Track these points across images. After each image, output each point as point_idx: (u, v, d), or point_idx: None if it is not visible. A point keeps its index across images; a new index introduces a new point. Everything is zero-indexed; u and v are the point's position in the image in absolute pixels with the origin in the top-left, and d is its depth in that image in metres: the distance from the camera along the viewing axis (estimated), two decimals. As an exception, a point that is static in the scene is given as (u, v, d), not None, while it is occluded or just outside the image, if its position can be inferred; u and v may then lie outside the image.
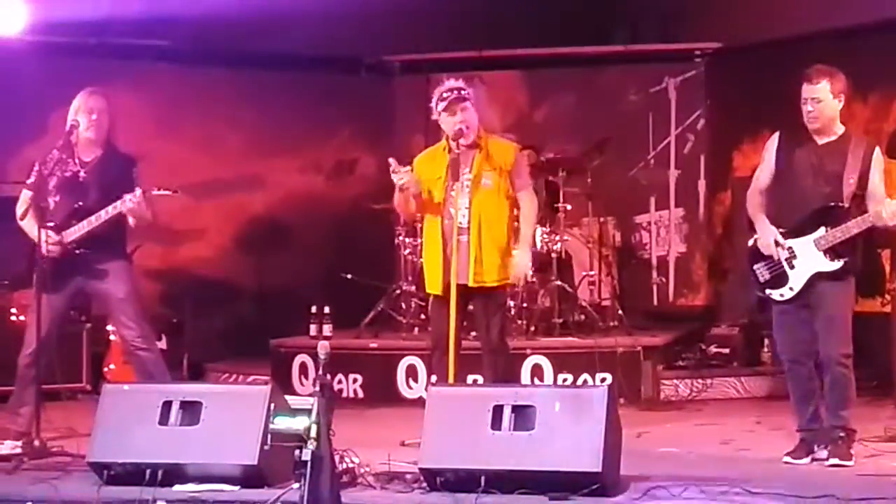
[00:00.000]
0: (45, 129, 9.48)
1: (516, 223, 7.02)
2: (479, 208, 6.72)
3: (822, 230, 6.26)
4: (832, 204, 6.25)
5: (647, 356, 8.89)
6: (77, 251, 6.81)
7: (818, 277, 6.27)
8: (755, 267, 6.43)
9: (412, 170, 6.79)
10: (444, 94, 6.83)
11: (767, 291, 6.42)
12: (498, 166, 6.80)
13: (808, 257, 6.28)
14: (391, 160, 6.75)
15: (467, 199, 6.74)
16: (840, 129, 6.35)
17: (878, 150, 6.36)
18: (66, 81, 9.45)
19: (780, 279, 6.35)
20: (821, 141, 6.33)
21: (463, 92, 6.82)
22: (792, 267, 6.32)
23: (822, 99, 6.25)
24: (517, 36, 10.83)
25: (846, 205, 6.24)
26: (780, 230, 6.34)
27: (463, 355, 6.72)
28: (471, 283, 6.69)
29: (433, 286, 6.80)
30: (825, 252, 6.25)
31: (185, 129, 10.55)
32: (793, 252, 6.31)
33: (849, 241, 6.23)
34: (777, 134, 6.49)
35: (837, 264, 6.25)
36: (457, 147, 6.74)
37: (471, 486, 5.51)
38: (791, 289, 6.33)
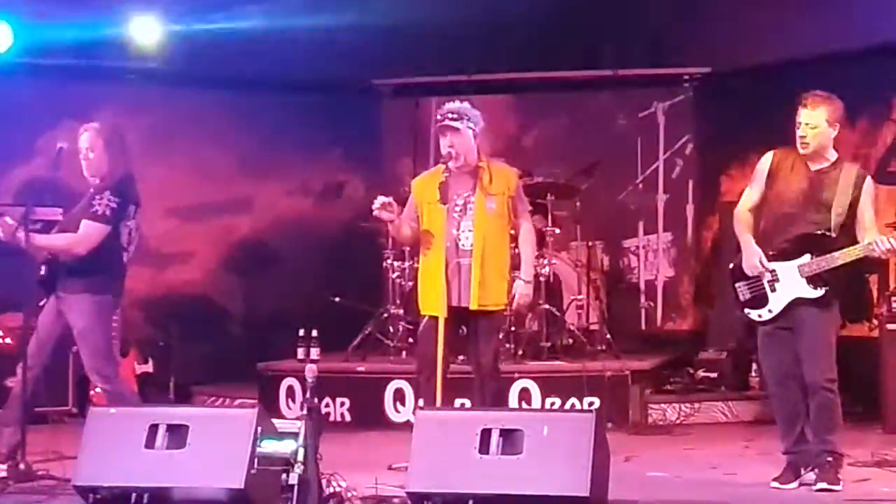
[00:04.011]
0: (34, 151, 9.52)
1: (515, 249, 7.03)
2: (483, 232, 6.72)
3: (806, 257, 6.26)
4: (819, 232, 6.25)
5: (635, 380, 8.88)
6: (42, 271, 6.78)
7: (799, 303, 6.28)
8: (737, 285, 6.44)
9: (391, 202, 6.77)
10: (439, 116, 6.86)
11: (746, 311, 6.43)
12: (502, 191, 6.81)
13: (790, 282, 6.28)
14: (377, 201, 6.76)
15: (471, 222, 6.75)
16: (833, 156, 6.35)
17: (868, 179, 6.35)
18: (55, 104, 9.54)
19: (760, 300, 6.36)
20: (813, 167, 6.33)
21: (451, 115, 6.81)
22: (773, 290, 6.33)
23: (817, 125, 6.25)
24: (507, 60, 10.87)
25: (833, 234, 6.24)
26: (768, 252, 6.34)
27: (450, 379, 6.71)
28: (474, 307, 6.68)
29: (432, 308, 6.76)
30: (808, 279, 6.26)
31: (174, 152, 10.54)
32: (775, 275, 6.32)
33: (832, 271, 6.22)
34: (770, 153, 6.46)
35: (819, 292, 6.25)
36: (445, 170, 6.75)
37: (458, 511, 5.50)
38: (770, 311, 6.34)
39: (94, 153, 6.83)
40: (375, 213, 6.77)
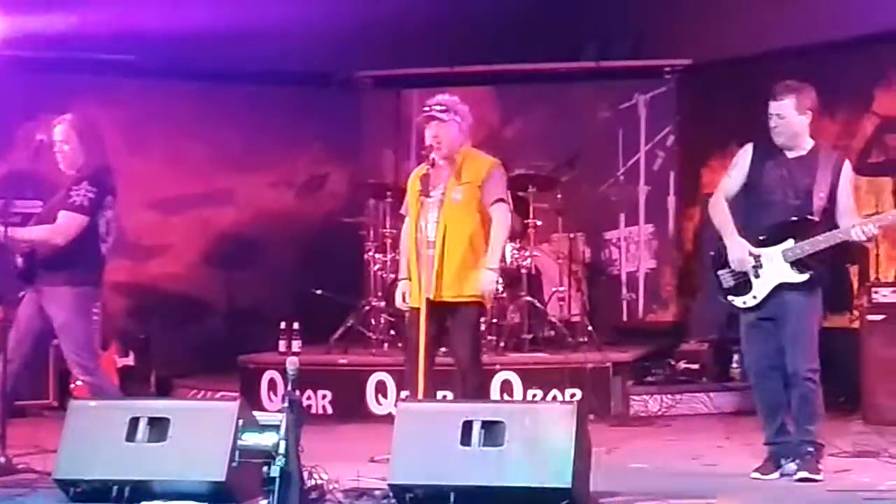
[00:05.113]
0: (12, 145, 9.46)
1: None
2: (446, 223, 6.71)
3: (790, 242, 6.27)
4: (802, 217, 6.27)
5: (617, 372, 8.90)
6: (20, 264, 6.75)
7: (783, 288, 6.28)
8: (719, 273, 6.43)
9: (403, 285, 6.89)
10: (426, 108, 6.85)
11: (730, 298, 6.43)
12: (470, 180, 6.79)
13: (774, 267, 6.29)
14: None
15: (436, 212, 6.73)
16: (809, 144, 6.39)
17: (847, 163, 6.40)
18: (32, 96, 9.50)
19: (743, 287, 6.36)
20: (791, 155, 6.37)
21: (437, 107, 6.80)
22: (757, 276, 6.32)
23: (786, 115, 6.29)
24: (488, 52, 10.85)
25: (816, 218, 6.26)
26: (750, 240, 6.34)
27: (436, 370, 6.71)
28: (433, 298, 6.68)
29: (413, 299, 6.78)
30: (792, 264, 6.26)
31: (154, 145, 10.51)
32: (759, 261, 6.32)
33: (816, 255, 6.24)
34: (750, 145, 6.50)
35: (803, 276, 6.26)
36: (429, 161, 6.75)
37: (440, 503, 5.50)
38: (754, 297, 6.34)
39: (69, 145, 6.81)
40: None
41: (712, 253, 6.49)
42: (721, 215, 6.45)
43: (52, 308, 6.74)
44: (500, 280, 9.13)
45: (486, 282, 6.74)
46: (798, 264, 6.25)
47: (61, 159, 6.84)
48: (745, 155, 6.47)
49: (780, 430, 6.39)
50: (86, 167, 6.82)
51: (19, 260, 6.74)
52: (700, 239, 10.53)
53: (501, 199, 6.82)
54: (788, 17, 9.71)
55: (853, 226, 6.19)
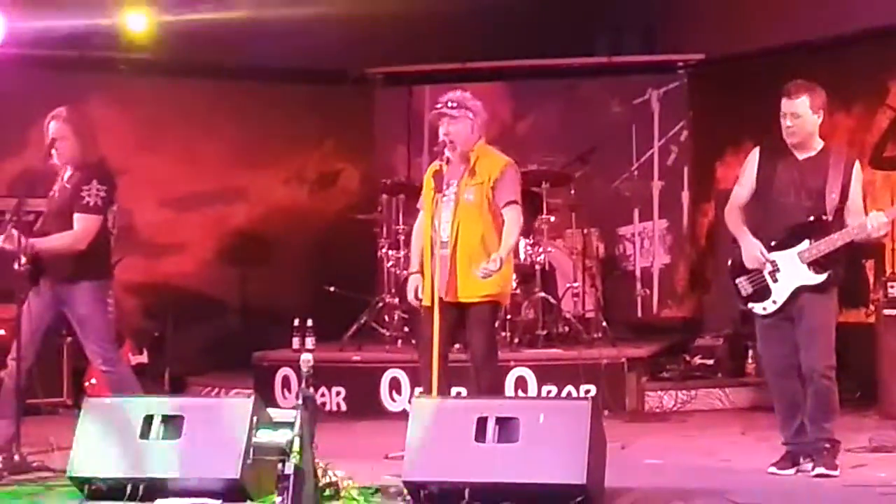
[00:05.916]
0: (26, 143, 9.46)
1: None
2: (459, 223, 6.69)
3: (805, 243, 6.25)
4: (816, 217, 6.24)
5: (632, 368, 8.88)
6: (25, 265, 6.74)
7: (801, 290, 6.26)
8: (737, 280, 6.41)
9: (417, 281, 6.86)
10: (438, 105, 6.83)
11: (750, 305, 6.40)
12: (482, 181, 6.76)
13: (792, 270, 6.27)
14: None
15: (450, 213, 6.71)
16: (819, 144, 6.35)
17: (857, 163, 6.36)
18: (46, 95, 9.47)
19: (763, 292, 6.34)
20: (801, 156, 6.33)
21: (450, 104, 6.78)
22: (775, 280, 6.30)
23: (801, 114, 6.25)
24: (500, 48, 10.84)
25: (829, 218, 6.23)
26: (766, 244, 6.32)
27: (451, 367, 6.70)
28: (449, 298, 6.66)
29: (426, 297, 6.76)
30: (809, 265, 6.24)
31: (167, 143, 10.52)
32: (776, 265, 6.29)
33: (833, 254, 6.22)
34: (757, 149, 6.48)
35: (821, 277, 6.24)
36: (442, 158, 6.73)
37: (455, 499, 5.49)
38: (774, 302, 6.32)
39: (65, 140, 6.83)
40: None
41: (729, 261, 6.47)
42: (734, 222, 6.44)
43: (73, 304, 6.76)
44: (515, 277, 9.16)
45: (490, 262, 6.54)
46: (815, 265, 6.23)
47: (57, 154, 6.86)
48: (751, 160, 6.45)
49: (798, 430, 6.36)
50: (83, 163, 6.83)
51: (25, 260, 6.73)
52: (714, 234, 10.51)
53: (514, 202, 6.76)
54: (801, 11, 9.68)
55: (866, 218, 6.16)
